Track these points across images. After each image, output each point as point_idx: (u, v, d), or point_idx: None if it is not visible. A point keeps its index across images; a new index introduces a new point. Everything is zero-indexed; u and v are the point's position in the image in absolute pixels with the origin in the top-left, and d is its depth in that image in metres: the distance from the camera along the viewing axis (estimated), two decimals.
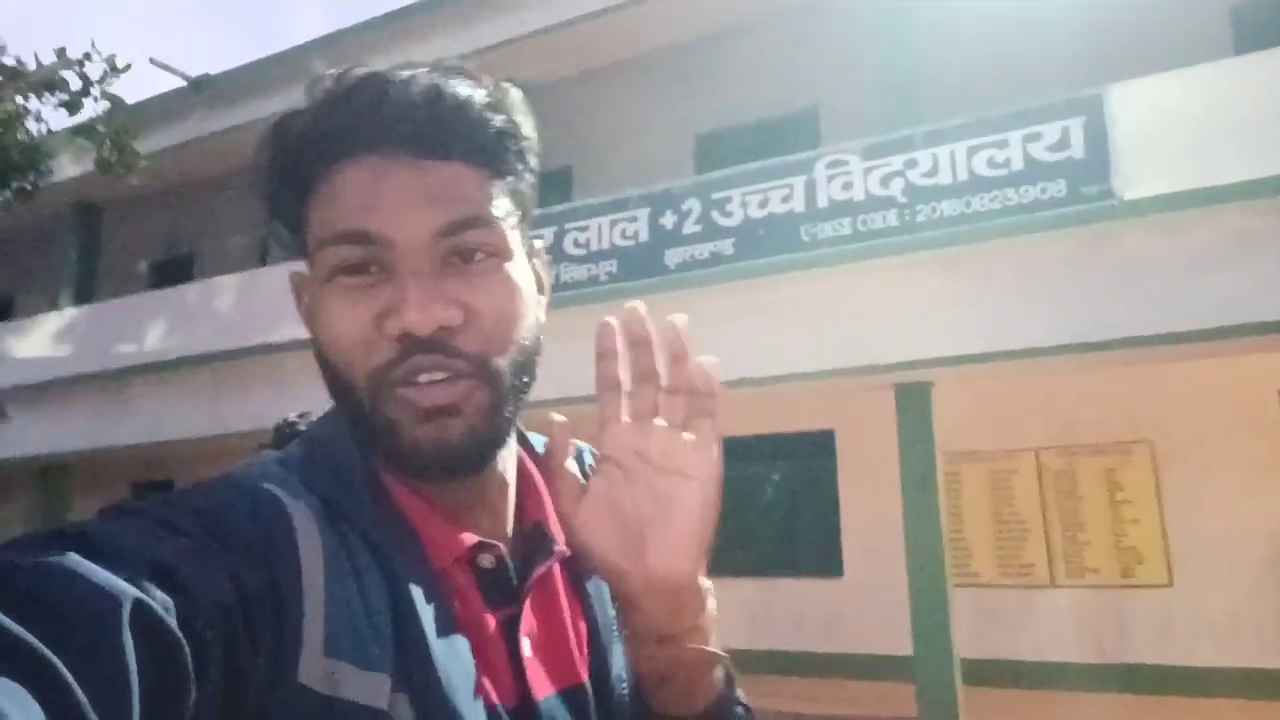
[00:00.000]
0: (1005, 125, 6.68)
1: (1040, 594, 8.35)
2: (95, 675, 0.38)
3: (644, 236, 7.99)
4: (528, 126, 0.61)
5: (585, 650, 0.64)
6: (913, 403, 7.11)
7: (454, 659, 0.54)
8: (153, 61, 11.10)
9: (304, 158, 0.57)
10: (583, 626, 0.65)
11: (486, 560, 0.60)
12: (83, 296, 12.69)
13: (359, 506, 0.56)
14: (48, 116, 5.69)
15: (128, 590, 0.41)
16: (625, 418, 0.59)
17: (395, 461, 0.58)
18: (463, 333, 0.56)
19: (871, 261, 6.88)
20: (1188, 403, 7.91)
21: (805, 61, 9.46)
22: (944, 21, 8.39)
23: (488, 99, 0.58)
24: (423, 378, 0.56)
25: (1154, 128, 6.29)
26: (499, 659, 0.58)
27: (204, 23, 69.12)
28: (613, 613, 0.66)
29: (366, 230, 0.55)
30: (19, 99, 5.56)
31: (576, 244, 8.32)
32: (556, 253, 8.38)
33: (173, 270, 13.55)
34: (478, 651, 0.56)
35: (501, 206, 0.59)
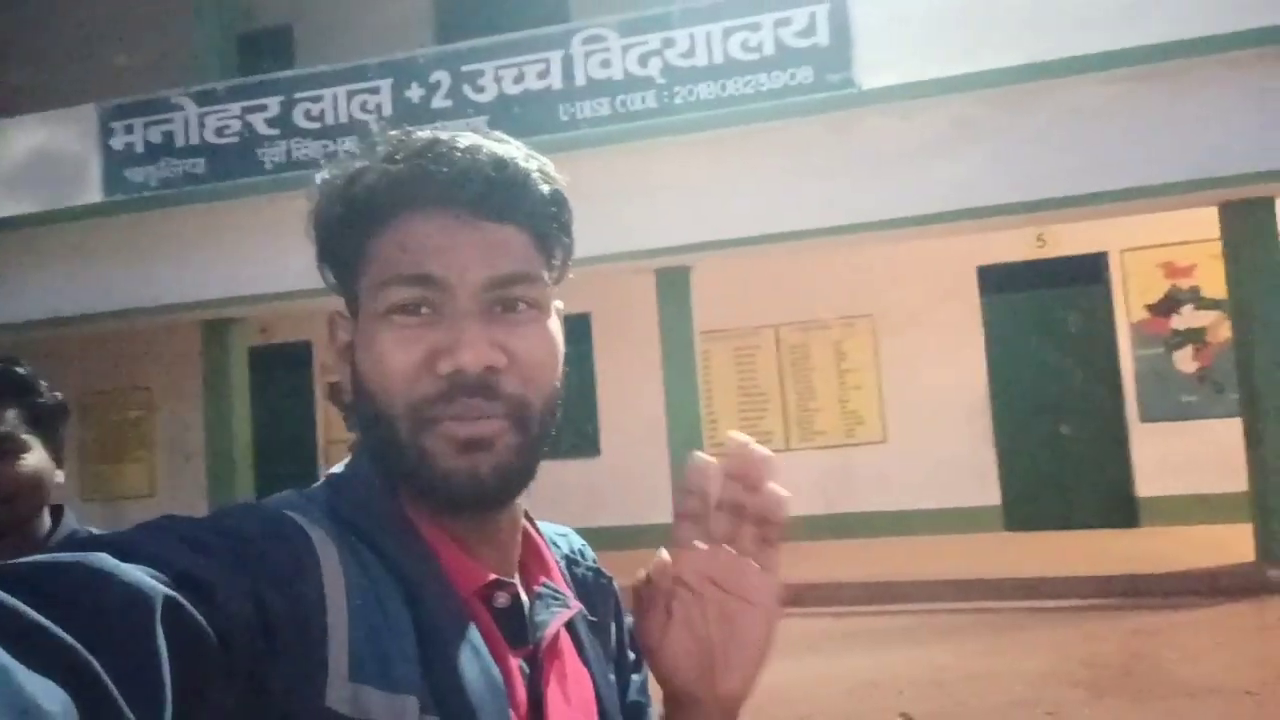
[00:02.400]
0: (758, 7, 6.73)
1: (778, 457, 9.10)
2: (129, 672, 0.39)
3: (387, 110, 7.33)
4: (566, 197, 0.66)
5: (594, 714, 0.67)
6: (673, 286, 7.27)
7: (486, 684, 0.56)
8: None
9: (375, 205, 0.61)
10: (589, 691, 0.67)
11: (501, 599, 0.62)
12: None
13: (384, 533, 0.59)
14: None
15: (160, 590, 0.42)
16: (699, 544, 0.63)
17: (425, 491, 0.60)
18: (504, 376, 0.60)
19: (632, 144, 6.80)
20: (903, 279, 8.77)
21: None
22: None
23: (540, 170, 0.64)
24: (462, 412, 0.59)
25: (889, 18, 6.62)
26: (520, 698, 0.60)
27: None
28: (613, 678, 0.70)
29: (430, 274, 0.60)
30: None
31: (309, 116, 7.49)
32: (285, 125, 7.51)
33: None
34: (502, 684, 0.58)
35: (544, 267, 0.64)
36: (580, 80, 7.01)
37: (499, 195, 0.61)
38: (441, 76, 7.21)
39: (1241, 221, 6.48)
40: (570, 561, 0.74)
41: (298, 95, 7.52)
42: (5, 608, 0.38)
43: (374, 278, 0.61)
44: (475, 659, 0.56)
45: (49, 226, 7.76)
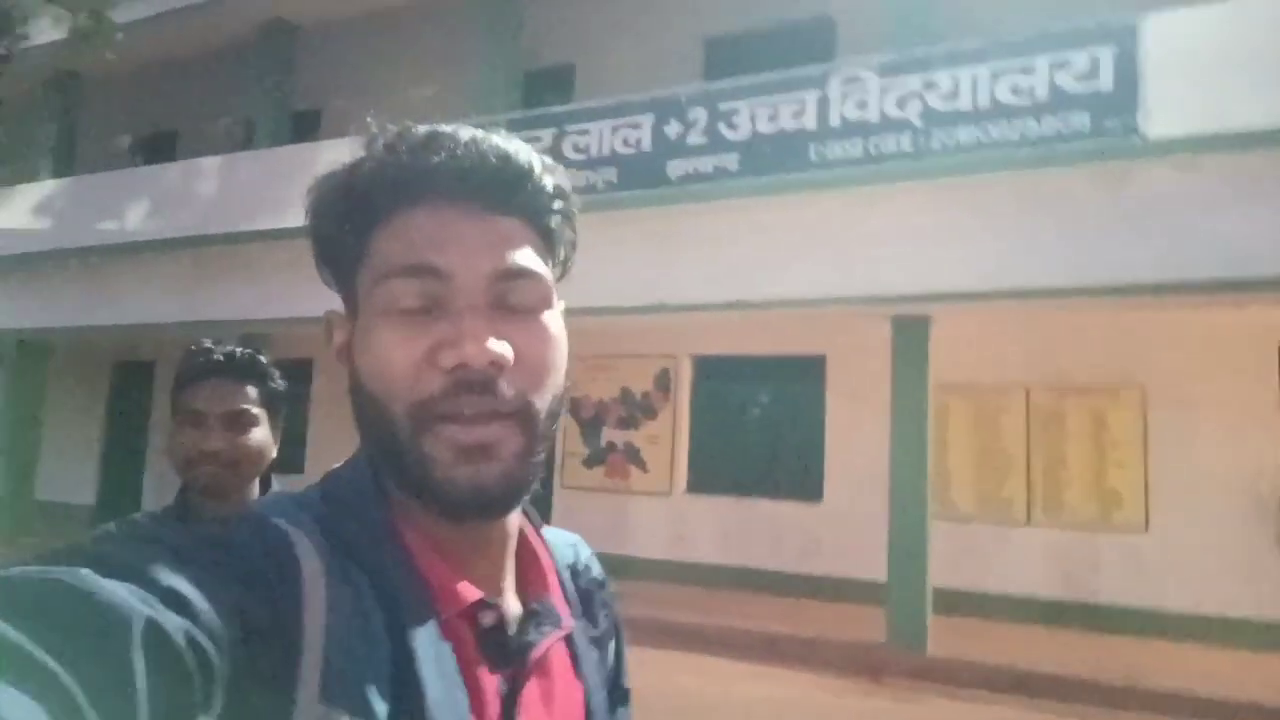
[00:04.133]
0: (1032, 49, 6.36)
1: (1016, 531, 8.42)
2: (105, 692, 0.39)
3: (647, 145, 7.69)
4: (571, 192, 0.66)
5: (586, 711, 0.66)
6: (910, 335, 6.99)
7: (450, 712, 0.54)
8: None
9: (375, 197, 0.60)
10: (579, 708, 0.65)
11: (488, 619, 0.60)
12: (62, 170, 12.28)
13: (371, 548, 0.57)
14: None
15: (139, 609, 0.42)
16: None
17: (424, 497, 0.59)
18: (509, 374, 0.58)
19: (881, 187, 6.65)
20: (1185, 348, 7.82)
21: None
22: None
23: (545, 165, 0.63)
24: (467, 412, 0.57)
25: (1186, 62, 6.00)
26: (494, 718, 0.58)
27: None
28: (604, 697, 0.68)
29: (434, 264, 0.58)
30: None
31: (576, 148, 8.02)
32: (555, 155, 8.08)
33: (156, 147, 13.10)
34: (475, 709, 0.56)
35: (548, 262, 0.63)
36: (835, 121, 6.96)
37: (503, 187, 0.60)
38: (699, 113, 7.46)
39: None
40: (574, 572, 0.72)
41: (568, 128, 8.07)
42: None
43: (374, 272, 0.60)
44: (446, 685, 0.55)
45: None
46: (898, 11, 7.58)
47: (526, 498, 0.63)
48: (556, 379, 0.62)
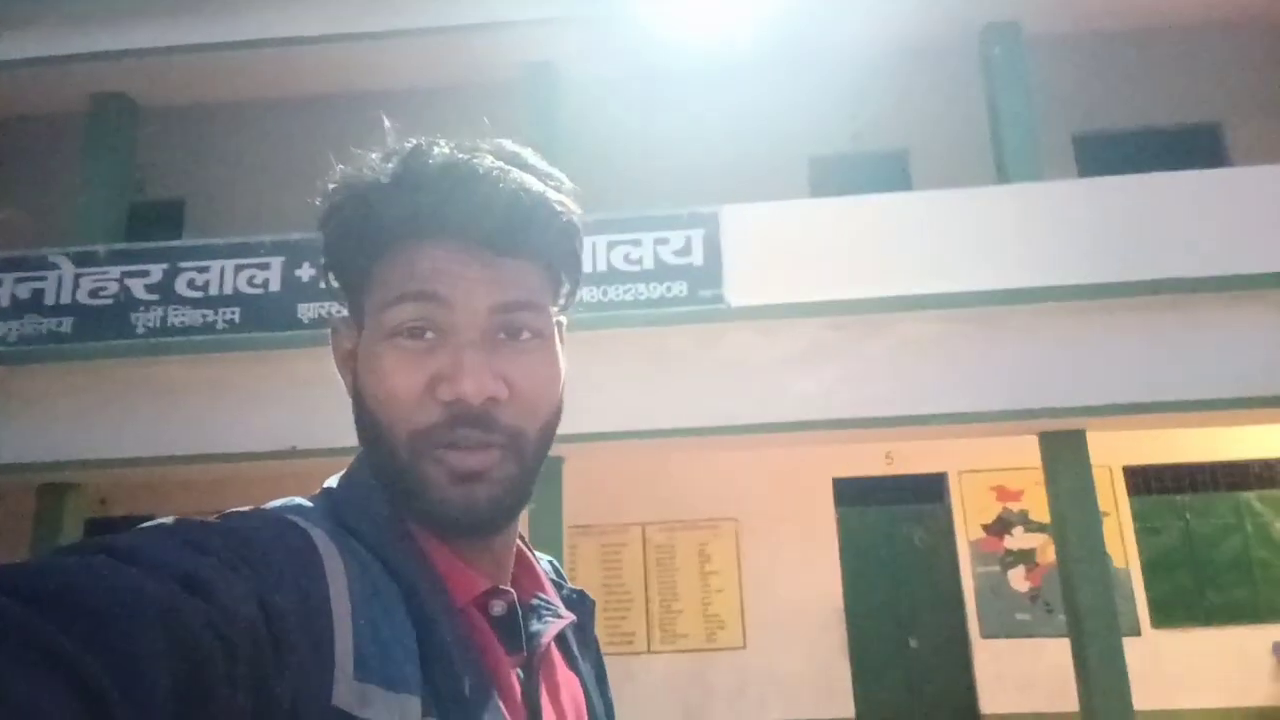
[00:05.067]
0: (641, 226, 7.38)
1: (639, 660, 8.97)
2: (128, 678, 0.38)
3: (274, 285, 7.44)
4: (579, 224, 0.68)
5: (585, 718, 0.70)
6: (543, 477, 7.37)
7: (481, 689, 0.57)
8: None
9: (385, 228, 0.62)
10: (581, 696, 0.70)
11: (498, 607, 0.63)
12: None
13: (384, 539, 0.59)
14: None
15: (160, 594, 0.42)
16: None
17: (422, 516, 0.62)
18: (504, 407, 0.61)
19: None
20: (764, 486, 9.16)
21: (453, 139, 9.64)
22: (593, 122, 9.10)
23: (558, 201, 0.65)
24: (462, 445, 0.61)
25: (754, 246, 7.37)
26: (516, 703, 0.61)
27: None
28: (598, 696, 0.73)
29: (435, 291, 0.61)
30: None
31: (192, 285, 7.50)
32: (165, 293, 7.49)
33: None
34: (499, 689, 0.59)
35: (550, 295, 0.67)
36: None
37: (513, 231, 0.62)
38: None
39: (1058, 450, 7.23)
40: (555, 584, 0.75)
41: (182, 264, 7.56)
42: (4, 611, 0.38)
43: (380, 297, 0.62)
44: (472, 664, 0.57)
45: None
46: None
47: (518, 515, 0.67)
48: (550, 408, 0.65)
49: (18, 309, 7.49)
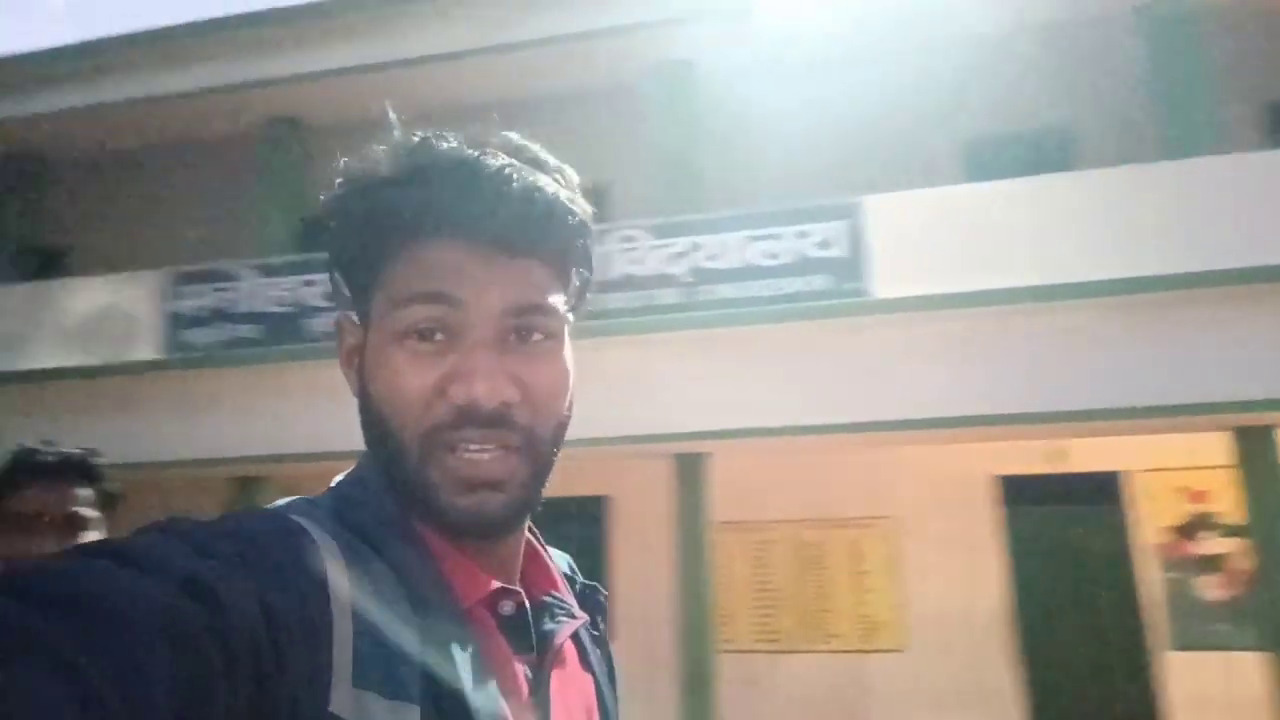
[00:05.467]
0: (780, 220, 7.27)
1: (789, 658, 8.84)
2: (128, 682, 0.38)
3: None
4: (590, 221, 0.67)
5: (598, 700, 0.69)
6: (690, 472, 7.40)
7: (485, 696, 0.55)
8: None
9: (395, 226, 0.61)
10: (592, 698, 0.68)
11: (507, 607, 0.61)
12: None
13: (389, 540, 0.58)
14: None
15: (161, 598, 0.42)
16: None
17: (430, 519, 0.61)
18: (516, 408, 0.60)
19: (656, 335, 7.16)
20: (923, 483, 8.80)
21: (599, 138, 9.83)
22: (725, 114, 9.05)
23: (569, 200, 0.63)
24: (471, 450, 0.59)
25: (900, 235, 7.09)
26: (523, 705, 0.59)
27: None
28: (611, 692, 0.72)
29: (449, 293, 0.59)
30: None
31: None
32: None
33: None
34: (505, 693, 0.57)
35: (562, 296, 0.65)
36: (614, 274, 7.49)
37: (524, 231, 0.60)
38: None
39: (1255, 447, 6.54)
40: (569, 579, 0.75)
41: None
42: (6, 615, 0.38)
43: (390, 296, 0.61)
44: (476, 668, 0.55)
45: (106, 379, 8.23)
46: (664, 184, 8.39)
47: (528, 518, 0.66)
48: (561, 409, 0.64)
49: (213, 317, 8.27)
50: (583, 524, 9.43)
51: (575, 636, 0.69)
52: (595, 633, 0.74)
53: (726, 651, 8.35)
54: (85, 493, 1.49)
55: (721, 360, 7.06)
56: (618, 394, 7.25)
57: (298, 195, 9.42)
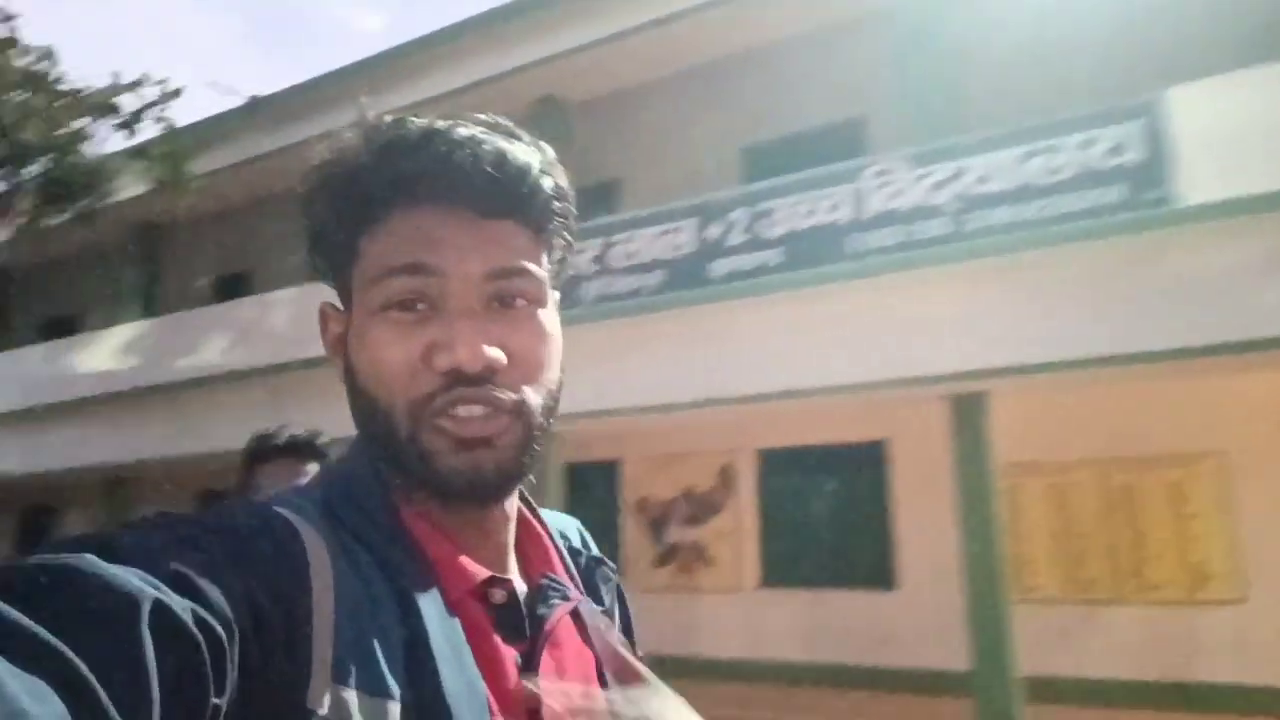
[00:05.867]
0: (1059, 131, 6.52)
1: (1103, 610, 8.10)
2: (115, 674, 0.38)
3: (691, 248, 7.98)
4: (568, 190, 0.65)
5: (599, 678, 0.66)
6: (968, 414, 6.97)
7: (467, 689, 0.54)
8: (211, 85, 11.47)
9: (369, 199, 0.60)
10: (594, 677, 0.66)
11: (498, 595, 0.61)
12: (147, 313, 13.11)
13: (377, 533, 0.58)
14: (104, 140, 5.85)
15: (148, 591, 0.42)
16: None
17: (426, 486, 0.61)
18: (503, 373, 0.60)
19: (921, 271, 6.77)
20: (1260, 414, 7.60)
21: (852, 72, 9.37)
22: (987, 30, 8.24)
23: (542, 164, 0.63)
24: (462, 411, 0.59)
25: (1213, 131, 6.08)
26: (511, 696, 0.58)
27: (257, 44, 70.99)
28: (617, 668, 0.68)
29: (425, 263, 0.59)
30: (78, 121, 5.77)
31: (626, 255, 8.34)
32: (604, 265, 8.43)
33: (232, 286, 13.91)
34: (491, 684, 0.57)
35: (542, 261, 0.64)
36: (869, 211, 7.16)
37: (498, 193, 0.60)
38: (739, 215, 7.74)
39: None
40: (574, 552, 0.73)
41: (615, 238, 8.43)
42: None
43: (368, 271, 0.60)
44: (459, 663, 0.55)
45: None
46: (924, 109, 7.85)
47: (521, 484, 0.65)
48: (550, 375, 0.63)
49: None
50: (861, 470, 9.23)
51: (576, 615, 0.66)
52: (601, 608, 0.71)
53: (1027, 601, 7.82)
54: (312, 467, 1.71)
55: (996, 292, 6.52)
56: (883, 335, 6.96)
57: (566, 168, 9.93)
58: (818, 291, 7.19)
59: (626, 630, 0.77)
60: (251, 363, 10.39)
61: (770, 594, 9.49)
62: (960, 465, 6.94)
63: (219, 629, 0.44)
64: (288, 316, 10.61)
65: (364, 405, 0.61)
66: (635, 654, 0.71)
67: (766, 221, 7.63)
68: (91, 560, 0.42)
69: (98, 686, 0.37)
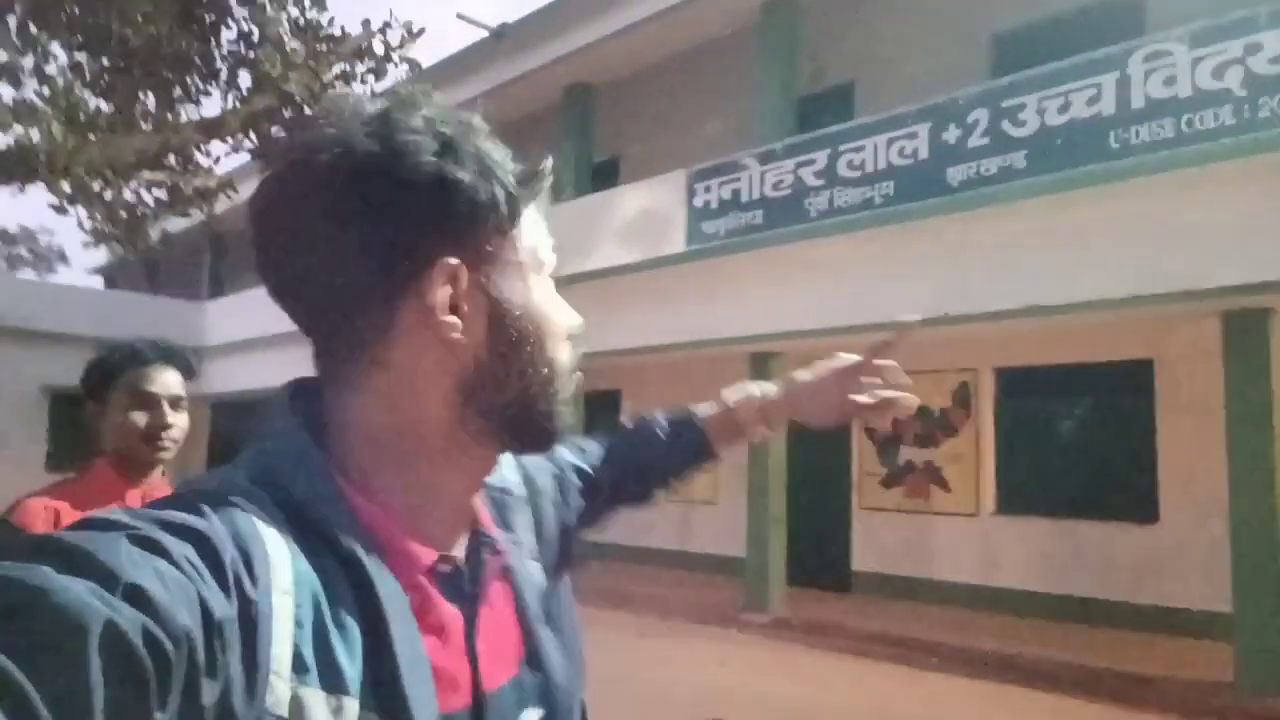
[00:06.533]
0: None
1: None
2: (60, 694, 0.39)
3: (923, 154, 7.48)
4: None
5: (520, 636, 0.69)
6: (1245, 332, 6.12)
7: (420, 675, 0.56)
8: (459, 16, 12.09)
9: (528, 190, 0.67)
10: (513, 615, 0.69)
11: (444, 567, 0.63)
12: None
13: (334, 522, 0.57)
14: (361, 85, 6.37)
15: (98, 611, 0.41)
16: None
17: (525, 437, 0.67)
18: None
19: (1199, 169, 5.92)
20: None
21: None
22: None
23: None
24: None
25: None
26: (458, 661, 0.62)
27: None
28: (538, 598, 0.72)
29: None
30: (339, 66, 6.32)
31: (851, 166, 7.99)
32: (830, 176, 8.13)
33: None
34: (441, 658, 0.60)
35: None
36: (1138, 102, 6.33)
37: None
38: (980, 115, 7.12)
39: None
40: (502, 492, 0.76)
41: (842, 147, 8.08)
42: None
43: (530, 242, 0.66)
44: (414, 650, 0.57)
45: (643, 273, 9.51)
46: None
47: None
48: None
49: (723, 208, 8.98)
50: (1119, 393, 8.41)
51: (510, 572, 0.70)
52: (519, 538, 0.73)
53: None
54: (183, 380, 1.77)
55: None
56: (1147, 244, 6.23)
57: (790, 77, 9.60)
58: (1071, 197, 6.51)
59: (563, 489, 0.86)
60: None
61: (1009, 521, 9.00)
62: (1232, 388, 6.14)
63: (168, 645, 0.43)
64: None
65: (525, 347, 0.64)
66: (569, 552, 0.81)
67: (1012, 120, 6.96)
68: (46, 575, 0.42)
69: (43, 709, 0.38)
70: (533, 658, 0.69)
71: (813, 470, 10.11)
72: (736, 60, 10.73)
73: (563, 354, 0.66)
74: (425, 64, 7.30)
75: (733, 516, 10.04)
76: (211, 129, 6.33)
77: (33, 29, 5.77)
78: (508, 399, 0.64)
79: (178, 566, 0.47)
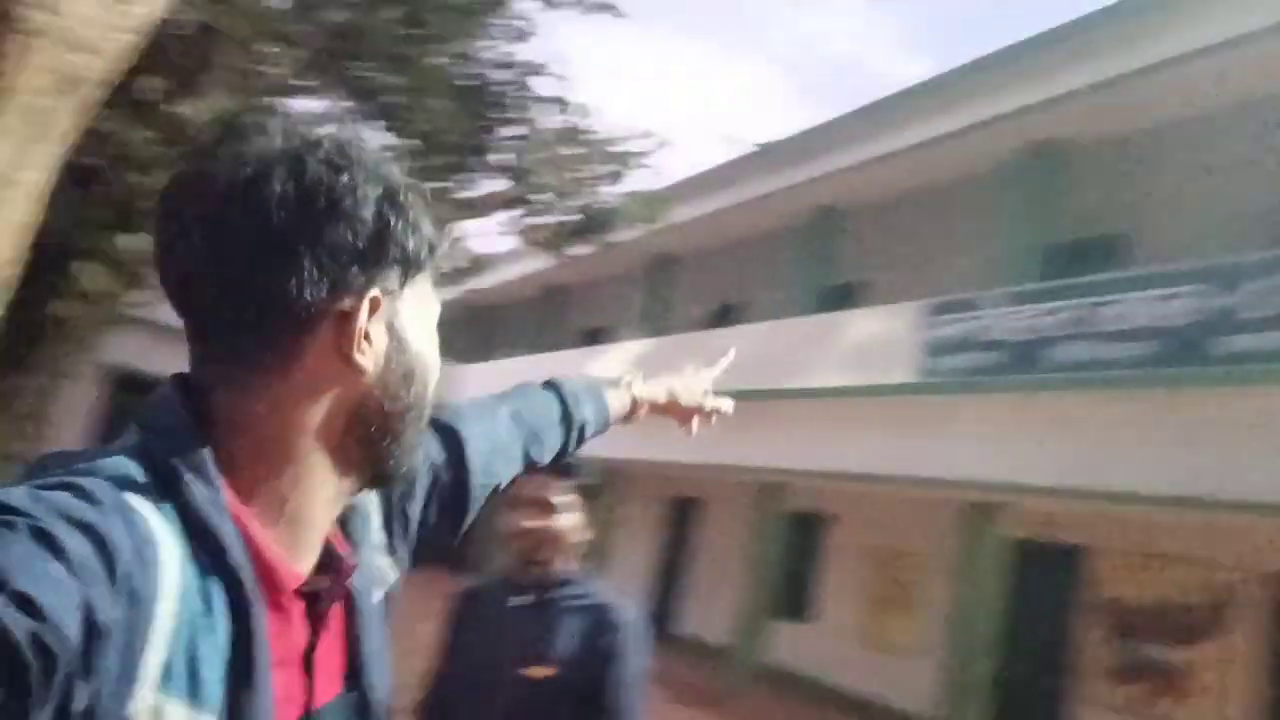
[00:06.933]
0: None
1: None
2: None
3: (1193, 317, 6.76)
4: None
5: (345, 653, 0.70)
6: None
7: (270, 694, 0.58)
8: (723, 136, 12.76)
9: (441, 245, 0.72)
10: (342, 633, 0.70)
11: (308, 588, 0.65)
12: (656, 332, 14.81)
13: (223, 535, 0.57)
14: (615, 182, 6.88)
15: None
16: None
17: (380, 472, 0.69)
18: None
19: None
20: None
21: None
22: None
23: None
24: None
25: None
26: (299, 678, 0.64)
27: (789, 92, 75.88)
28: (376, 610, 0.73)
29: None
30: (584, 168, 6.85)
31: (1110, 319, 7.35)
32: (1083, 327, 7.52)
33: (722, 315, 15.14)
34: (286, 675, 0.62)
35: None
36: None
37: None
38: (1262, 283, 6.36)
39: None
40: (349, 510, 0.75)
41: (1103, 299, 7.49)
42: None
43: (430, 280, 0.71)
44: (268, 669, 0.58)
45: (868, 399, 9.22)
46: None
47: None
48: None
49: (960, 345, 8.54)
50: None
51: (352, 598, 0.71)
52: (367, 553, 0.74)
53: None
54: (562, 484, 1.86)
55: None
56: None
57: (1047, 220, 9.14)
58: None
59: (409, 499, 0.84)
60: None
61: None
62: None
63: (55, 649, 0.44)
64: (758, 348, 11.28)
65: (411, 385, 0.68)
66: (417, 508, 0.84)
67: None
68: None
69: None
70: (357, 675, 0.70)
71: (1026, 640, 9.10)
72: (987, 197, 10.37)
73: (430, 398, 0.71)
74: (680, 175, 7.73)
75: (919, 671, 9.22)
76: (465, 207, 7.04)
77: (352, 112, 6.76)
78: (385, 429, 0.67)
79: (71, 568, 0.47)
